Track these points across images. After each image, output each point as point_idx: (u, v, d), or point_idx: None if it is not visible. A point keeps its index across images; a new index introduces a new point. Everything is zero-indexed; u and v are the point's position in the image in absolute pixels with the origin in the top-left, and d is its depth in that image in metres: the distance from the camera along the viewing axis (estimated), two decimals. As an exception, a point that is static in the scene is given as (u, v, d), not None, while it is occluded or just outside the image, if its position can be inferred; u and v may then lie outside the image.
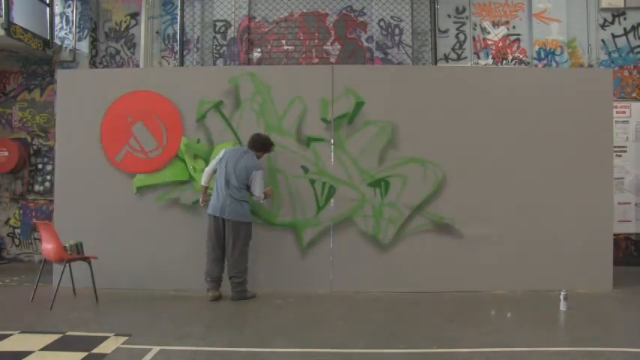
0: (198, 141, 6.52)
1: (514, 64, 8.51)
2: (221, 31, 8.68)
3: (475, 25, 8.65)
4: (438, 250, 6.39)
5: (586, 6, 8.47)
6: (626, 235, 8.23)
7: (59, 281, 5.67)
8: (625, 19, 8.48)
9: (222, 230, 5.94)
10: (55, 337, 4.45)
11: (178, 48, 8.52)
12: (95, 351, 4.12)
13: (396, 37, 8.46)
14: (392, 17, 8.46)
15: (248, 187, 6.00)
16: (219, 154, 6.11)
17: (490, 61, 8.58)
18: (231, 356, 4.13)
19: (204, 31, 8.73)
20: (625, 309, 5.76)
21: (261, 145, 6.12)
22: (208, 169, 6.11)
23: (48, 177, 8.72)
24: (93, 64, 8.80)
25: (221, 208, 5.89)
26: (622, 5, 8.39)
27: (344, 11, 8.66)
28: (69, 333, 4.58)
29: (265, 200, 6.19)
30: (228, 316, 5.40)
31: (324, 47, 8.62)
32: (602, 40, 8.50)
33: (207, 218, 6.02)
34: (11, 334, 4.51)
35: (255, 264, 6.39)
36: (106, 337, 4.44)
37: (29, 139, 8.85)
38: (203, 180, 6.13)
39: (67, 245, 5.76)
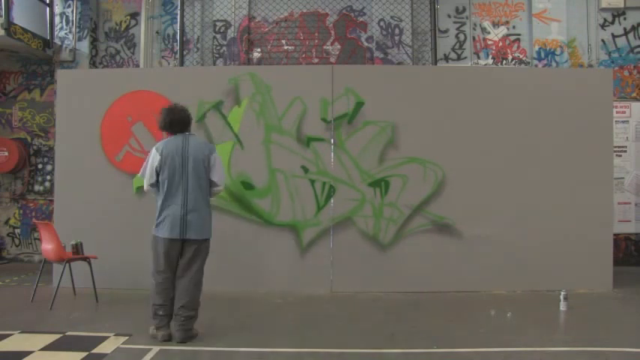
0: (198, 141, 6.50)
1: (514, 64, 8.51)
2: (221, 31, 8.68)
3: (475, 25, 8.65)
4: (438, 250, 6.39)
5: (586, 6, 8.48)
6: (626, 235, 8.23)
7: (59, 281, 5.67)
8: (625, 19, 8.49)
9: (179, 253, 4.54)
10: (55, 337, 4.45)
11: (178, 48, 8.52)
12: (95, 351, 4.12)
13: (396, 37, 8.46)
14: (392, 17, 8.46)
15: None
16: (150, 157, 4.54)
17: (490, 61, 8.59)
18: (232, 356, 4.12)
19: (204, 31, 8.73)
20: (625, 309, 5.76)
21: (187, 118, 4.61)
22: (147, 186, 4.61)
23: (48, 177, 8.72)
24: (93, 64, 8.80)
25: (181, 227, 4.42)
26: (622, 5, 8.39)
27: (344, 11, 8.66)
28: (69, 333, 4.58)
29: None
30: (228, 316, 5.40)
31: (324, 47, 8.62)
32: (602, 40, 8.50)
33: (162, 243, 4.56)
34: (11, 334, 4.50)
35: (256, 264, 6.39)
36: (106, 337, 4.44)
37: (29, 139, 8.85)
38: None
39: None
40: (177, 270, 4.55)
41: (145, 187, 4.65)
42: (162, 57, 8.86)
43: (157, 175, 4.49)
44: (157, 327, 4.47)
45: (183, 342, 4.37)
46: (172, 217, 4.43)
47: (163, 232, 4.46)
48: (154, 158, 4.48)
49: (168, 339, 4.40)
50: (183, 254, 4.53)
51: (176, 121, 4.55)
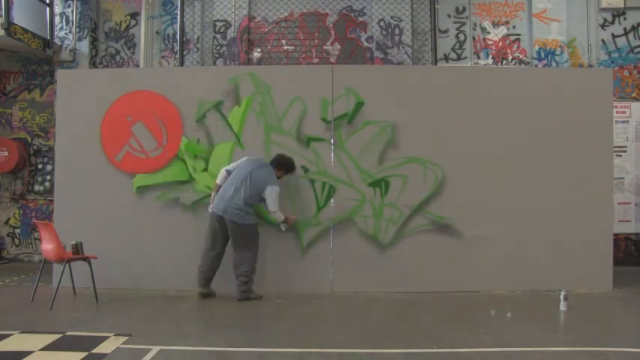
0: (198, 141, 6.52)
1: (514, 64, 8.51)
2: (221, 31, 8.68)
3: (475, 25, 8.65)
4: (438, 250, 6.39)
5: (586, 6, 8.48)
6: (626, 235, 8.24)
7: (59, 281, 5.67)
8: (625, 19, 8.49)
9: (221, 230, 5.92)
10: (55, 337, 4.45)
11: (178, 48, 8.52)
12: (95, 351, 4.12)
13: (396, 37, 8.46)
14: (392, 17, 8.46)
15: (259, 200, 5.97)
16: (242, 159, 6.12)
17: (490, 61, 8.59)
18: (231, 356, 4.12)
19: (204, 31, 8.73)
20: (625, 309, 5.77)
21: (283, 164, 6.11)
22: (224, 171, 6.06)
23: (48, 177, 8.73)
24: (93, 64, 8.80)
25: (224, 209, 5.83)
26: (622, 5, 8.40)
27: (344, 11, 8.66)
28: (69, 333, 4.58)
29: (284, 225, 6.11)
30: (228, 316, 5.39)
31: (324, 47, 8.62)
32: (602, 40, 8.51)
33: (208, 216, 6.02)
34: (11, 334, 4.50)
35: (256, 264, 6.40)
36: (106, 337, 4.44)
37: (29, 139, 8.85)
38: (218, 179, 6.08)
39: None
40: (232, 247, 6.01)
41: (222, 169, 6.13)
42: (163, 57, 8.86)
43: (232, 170, 6.08)
44: (197, 285, 6.01)
45: (240, 300, 5.86)
46: (219, 199, 5.97)
47: (212, 207, 6.00)
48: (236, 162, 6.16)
49: (205, 296, 5.96)
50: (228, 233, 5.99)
51: (278, 156, 6.20)
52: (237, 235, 5.86)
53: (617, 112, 7.81)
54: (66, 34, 8.77)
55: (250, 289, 5.93)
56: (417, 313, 5.50)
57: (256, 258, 5.98)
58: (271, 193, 5.88)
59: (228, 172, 6.05)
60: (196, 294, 5.95)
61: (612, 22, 8.51)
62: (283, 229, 6.18)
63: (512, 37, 8.59)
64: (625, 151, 8.12)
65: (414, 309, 5.66)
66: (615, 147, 7.17)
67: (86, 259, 5.80)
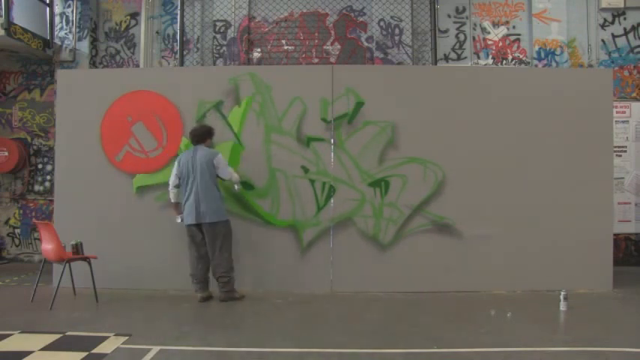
0: (198, 141, 6.52)
1: (514, 64, 8.51)
2: (221, 31, 8.68)
3: (475, 25, 8.65)
4: (438, 250, 6.39)
5: (586, 6, 8.48)
6: (626, 235, 8.24)
7: (59, 281, 5.67)
8: (625, 19, 8.49)
9: (200, 235, 5.91)
10: (55, 337, 4.45)
11: (178, 48, 8.52)
12: (95, 351, 4.12)
13: (396, 37, 8.46)
14: (392, 17, 8.46)
15: (216, 177, 5.93)
16: (174, 167, 6.04)
17: (490, 61, 8.59)
18: (231, 356, 4.13)
19: (204, 31, 8.73)
20: (625, 309, 5.76)
21: (200, 135, 6.00)
22: (172, 187, 6.03)
23: (48, 177, 8.73)
24: (93, 64, 8.80)
25: (196, 216, 5.80)
26: (622, 5, 8.40)
27: (344, 11, 8.66)
28: (69, 333, 4.58)
29: (238, 185, 6.17)
30: (228, 316, 5.40)
31: (324, 47, 8.62)
32: (602, 40, 8.51)
33: (186, 228, 5.96)
34: (11, 334, 4.51)
35: (256, 264, 6.40)
36: (106, 337, 4.44)
37: (29, 139, 8.85)
38: (172, 197, 6.07)
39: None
40: (208, 250, 5.91)
41: (170, 188, 6.06)
42: (163, 57, 8.86)
43: (179, 179, 5.95)
44: (195, 291, 5.93)
45: (224, 301, 5.82)
46: (189, 209, 5.84)
47: (186, 220, 5.92)
48: (175, 167, 6.01)
49: (205, 299, 5.88)
50: (205, 236, 5.87)
51: (192, 136, 6.04)
52: (213, 235, 5.84)
53: (617, 112, 7.80)
54: (66, 34, 8.77)
55: (233, 289, 5.94)
56: (417, 313, 5.50)
57: (231, 256, 5.95)
58: (221, 161, 5.92)
59: (178, 185, 5.99)
60: (198, 299, 5.89)
61: (612, 22, 8.51)
62: (237, 188, 6.21)
63: (512, 37, 8.59)
64: (625, 151, 8.11)
65: (414, 309, 5.66)
66: (615, 147, 7.17)
67: (86, 259, 5.81)
